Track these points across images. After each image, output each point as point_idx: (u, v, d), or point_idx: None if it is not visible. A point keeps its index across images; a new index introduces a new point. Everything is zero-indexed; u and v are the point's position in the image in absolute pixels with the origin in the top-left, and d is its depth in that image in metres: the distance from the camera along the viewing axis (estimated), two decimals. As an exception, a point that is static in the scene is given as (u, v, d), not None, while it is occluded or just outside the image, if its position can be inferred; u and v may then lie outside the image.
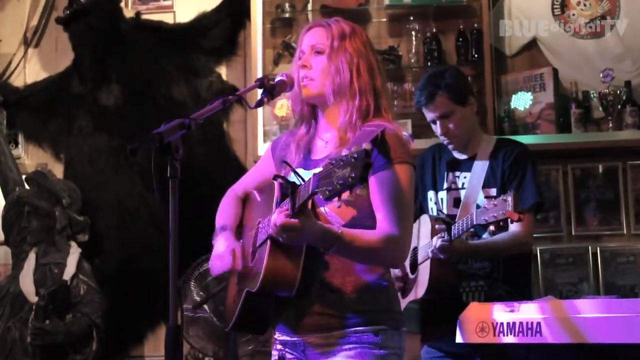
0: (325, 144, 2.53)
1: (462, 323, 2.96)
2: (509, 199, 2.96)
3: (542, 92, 4.63)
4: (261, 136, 4.79)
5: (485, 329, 2.89)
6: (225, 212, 2.70)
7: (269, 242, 2.29)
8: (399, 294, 3.56)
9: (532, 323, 2.79)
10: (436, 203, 3.63)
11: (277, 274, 2.30)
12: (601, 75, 4.54)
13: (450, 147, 3.62)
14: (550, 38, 4.83)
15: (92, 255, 4.88)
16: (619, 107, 4.57)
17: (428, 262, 3.36)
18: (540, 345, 2.77)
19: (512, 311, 2.86)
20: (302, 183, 2.15)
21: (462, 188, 3.56)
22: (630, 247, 4.60)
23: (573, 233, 4.67)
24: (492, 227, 3.14)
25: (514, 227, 3.39)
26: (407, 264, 3.56)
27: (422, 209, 3.68)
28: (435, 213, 3.60)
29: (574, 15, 4.80)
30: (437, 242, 3.26)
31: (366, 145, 1.94)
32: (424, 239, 3.43)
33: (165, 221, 2.11)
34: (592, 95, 4.67)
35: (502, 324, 2.85)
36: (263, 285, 2.30)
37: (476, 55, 4.76)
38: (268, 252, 2.29)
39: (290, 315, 2.45)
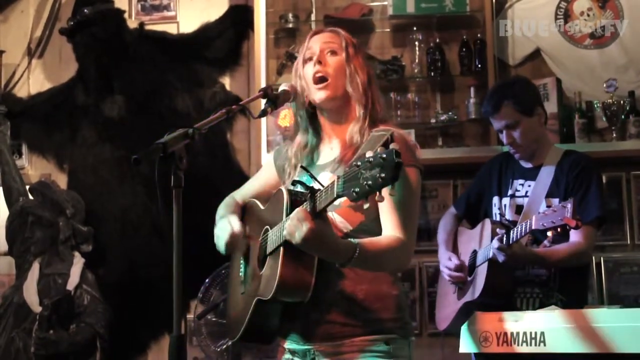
0: (331, 150, 2.54)
1: (466, 333, 2.96)
2: (569, 205, 2.98)
3: (546, 102, 4.61)
4: (264, 146, 4.80)
5: (489, 339, 2.88)
6: (225, 208, 2.69)
7: (281, 249, 2.28)
8: (453, 295, 3.56)
9: (535, 333, 2.78)
10: (499, 208, 3.65)
11: (292, 279, 2.28)
12: (605, 85, 4.55)
13: (516, 156, 3.63)
14: (554, 48, 4.84)
15: (95, 266, 4.89)
16: (623, 117, 4.58)
17: (485, 265, 3.38)
18: (544, 354, 2.76)
19: (515, 321, 2.86)
20: (322, 187, 2.14)
21: (526, 196, 3.57)
22: (634, 257, 4.60)
23: (577, 243, 4.66)
24: (549, 233, 3.14)
25: (574, 238, 3.40)
26: (466, 265, 3.60)
27: (486, 213, 3.71)
28: (498, 218, 3.61)
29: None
30: (495, 243, 3.27)
31: (394, 145, 1.93)
32: (484, 242, 3.46)
33: (169, 231, 2.11)
34: (595, 106, 4.67)
35: (505, 333, 2.85)
36: (277, 292, 2.28)
37: (479, 66, 4.77)
38: (282, 258, 2.27)
39: (301, 324, 2.44)
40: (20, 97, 5.38)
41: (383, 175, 1.90)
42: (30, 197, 5.00)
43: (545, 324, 2.78)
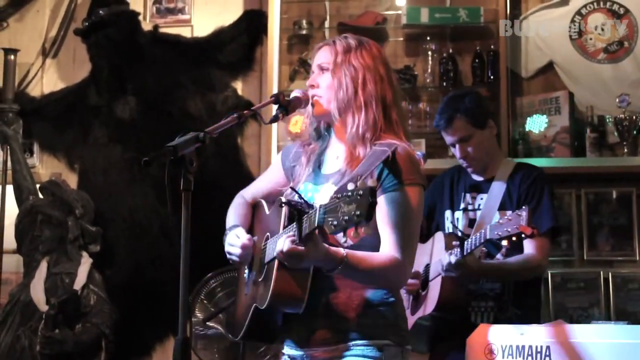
0: (336, 159, 2.53)
1: (471, 345, 2.95)
2: (523, 213, 2.97)
3: (558, 116, 4.62)
4: (275, 151, 4.80)
5: (493, 351, 2.88)
6: (235, 213, 2.70)
7: (276, 262, 2.28)
8: (407, 310, 3.57)
9: (541, 347, 2.78)
10: (452, 222, 3.63)
11: (285, 291, 2.29)
12: (617, 100, 4.53)
13: (469, 170, 3.63)
14: (567, 61, 4.83)
15: (103, 266, 4.89)
16: (635, 132, 4.56)
17: (439, 279, 3.36)
18: (549, 369, 2.76)
19: (521, 334, 2.86)
20: (309, 211, 2.14)
21: (478, 209, 3.57)
22: (643, 273, 4.58)
23: (585, 258, 4.65)
24: (504, 244, 3.13)
25: (528, 250, 3.40)
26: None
27: (438, 227, 3.69)
28: (451, 232, 3.60)
29: (591, 39, 4.80)
30: (449, 257, 3.25)
31: (372, 183, 1.96)
32: (437, 255, 3.43)
33: (177, 234, 2.11)
34: (607, 120, 4.65)
35: (510, 346, 2.85)
36: (271, 303, 2.30)
37: (492, 77, 4.76)
38: (276, 270, 2.28)
39: (297, 330, 2.45)
40: (33, 96, 5.40)
41: (358, 213, 1.92)
42: (40, 195, 5.01)
43: (550, 338, 2.77)
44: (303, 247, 2.16)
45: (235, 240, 2.53)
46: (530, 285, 3.50)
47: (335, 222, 1.98)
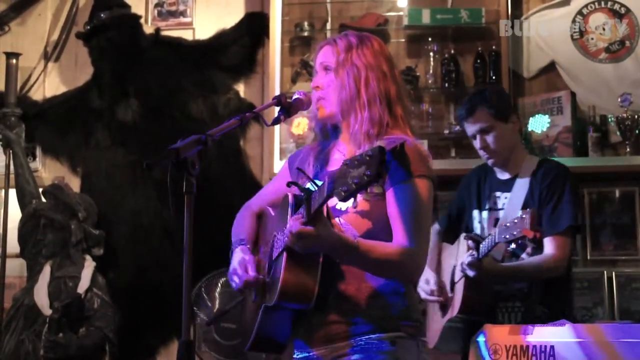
0: (343, 155, 2.51)
1: (475, 345, 2.95)
2: (526, 216, 2.96)
3: (560, 115, 4.62)
4: (277, 154, 4.81)
5: (498, 351, 2.88)
6: (240, 225, 2.66)
7: (285, 254, 2.26)
8: (439, 312, 3.56)
9: (545, 347, 2.78)
10: (480, 222, 3.63)
11: (294, 286, 2.25)
12: (619, 99, 4.53)
13: (489, 162, 3.62)
14: (569, 61, 4.82)
15: (106, 269, 4.89)
16: (637, 131, 4.56)
17: (462, 281, 3.36)
18: (554, 369, 2.76)
19: (525, 334, 2.85)
20: (317, 189, 2.13)
21: (502, 208, 3.55)
22: (646, 272, 4.57)
23: (588, 257, 4.64)
24: (513, 245, 3.14)
25: (547, 250, 3.38)
26: (447, 282, 3.57)
27: (467, 228, 3.69)
28: (480, 232, 3.60)
29: (592, 39, 4.80)
30: (466, 259, 3.26)
31: (380, 143, 1.94)
32: (461, 257, 3.44)
33: (180, 236, 2.11)
34: (609, 120, 4.65)
35: (515, 347, 2.84)
36: (280, 298, 2.26)
37: (494, 77, 4.75)
38: (284, 265, 2.25)
39: (305, 329, 2.41)
40: (35, 100, 5.40)
41: (368, 172, 1.91)
42: (43, 199, 5.01)
43: (555, 338, 2.77)
44: (312, 227, 2.13)
45: (240, 272, 2.45)
46: (558, 284, 3.45)
47: (345, 188, 1.95)
